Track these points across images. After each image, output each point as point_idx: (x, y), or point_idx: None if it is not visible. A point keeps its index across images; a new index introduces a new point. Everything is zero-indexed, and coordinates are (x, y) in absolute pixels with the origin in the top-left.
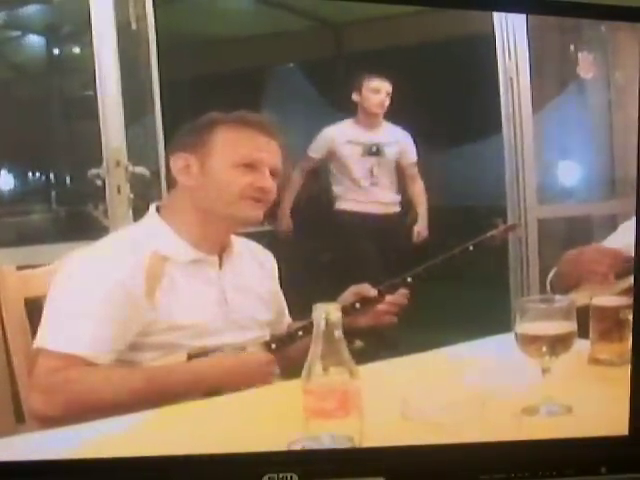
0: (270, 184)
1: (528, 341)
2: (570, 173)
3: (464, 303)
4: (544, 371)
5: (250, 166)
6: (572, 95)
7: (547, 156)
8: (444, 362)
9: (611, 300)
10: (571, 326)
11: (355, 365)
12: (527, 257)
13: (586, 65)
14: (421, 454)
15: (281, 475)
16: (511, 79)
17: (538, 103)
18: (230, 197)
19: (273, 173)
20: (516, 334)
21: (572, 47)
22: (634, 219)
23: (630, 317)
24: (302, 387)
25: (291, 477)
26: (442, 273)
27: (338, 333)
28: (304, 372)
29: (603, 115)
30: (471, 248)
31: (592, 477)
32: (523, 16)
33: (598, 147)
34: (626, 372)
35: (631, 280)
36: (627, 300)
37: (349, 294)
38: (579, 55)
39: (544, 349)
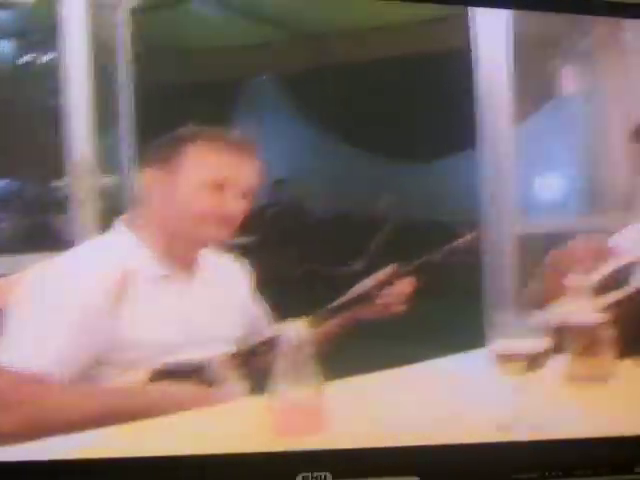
0: (237, 208)
1: (503, 358)
2: (549, 188)
3: (440, 318)
4: (519, 388)
5: (219, 187)
6: (552, 110)
7: (526, 171)
8: (417, 378)
9: (589, 317)
10: (546, 343)
11: (322, 381)
12: (503, 272)
13: (567, 79)
14: (454, 453)
15: (315, 474)
16: (490, 93)
17: (517, 118)
18: (193, 218)
19: (245, 194)
20: (491, 350)
21: (554, 62)
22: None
23: (607, 334)
24: (268, 404)
25: (325, 476)
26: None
27: (306, 349)
28: (269, 390)
29: (584, 131)
30: (438, 258)
31: (626, 476)
32: (503, 30)
33: (578, 162)
34: (603, 389)
35: (617, 295)
36: (605, 317)
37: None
38: (561, 70)
39: (519, 366)
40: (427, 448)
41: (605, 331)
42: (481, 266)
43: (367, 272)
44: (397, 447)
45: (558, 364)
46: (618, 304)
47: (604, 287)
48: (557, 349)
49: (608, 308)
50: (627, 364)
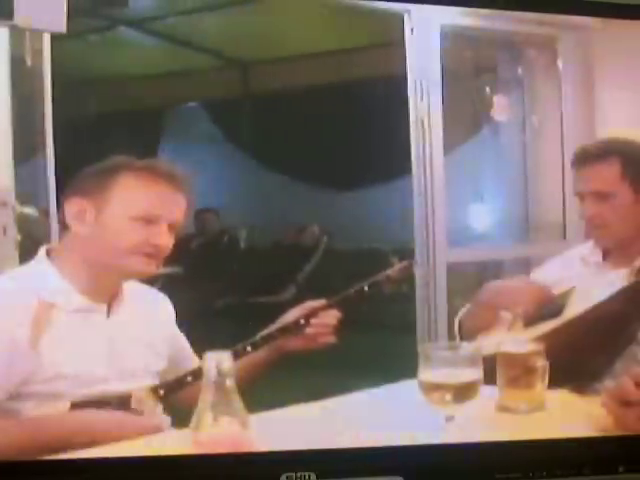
0: (166, 241)
1: (431, 388)
2: (482, 216)
3: (370, 348)
4: (448, 419)
5: (148, 220)
6: (486, 137)
7: (458, 199)
8: (348, 408)
9: (520, 347)
10: (476, 374)
11: (247, 415)
12: (435, 301)
13: (501, 107)
14: (438, 453)
15: (299, 474)
16: (422, 120)
17: (450, 145)
18: (121, 251)
19: (172, 227)
20: (419, 381)
21: (487, 89)
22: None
23: (539, 364)
24: (192, 438)
25: (309, 476)
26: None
27: (229, 382)
28: (193, 422)
29: (517, 158)
30: (366, 288)
31: (610, 476)
32: (437, 56)
33: (511, 190)
34: (535, 420)
35: (550, 325)
36: (536, 347)
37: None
38: (494, 97)
39: (447, 397)
40: (411, 448)
41: (537, 361)
42: (414, 296)
43: (296, 302)
44: (381, 447)
45: (489, 394)
46: (550, 335)
47: (536, 318)
48: (489, 379)
49: (540, 339)
50: (560, 394)
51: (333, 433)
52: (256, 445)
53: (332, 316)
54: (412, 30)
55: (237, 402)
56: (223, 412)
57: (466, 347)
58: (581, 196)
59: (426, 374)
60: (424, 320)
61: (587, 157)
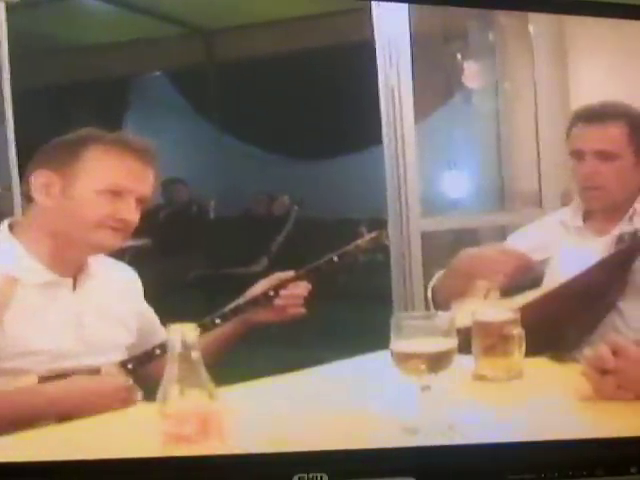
0: (133, 216)
1: (404, 358)
2: (456, 184)
3: (345, 319)
4: (424, 389)
5: (117, 194)
6: (458, 105)
7: (431, 167)
8: (321, 381)
9: (495, 315)
10: (450, 343)
11: (214, 387)
12: (411, 271)
13: (472, 74)
14: (451, 454)
15: (311, 475)
16: (392, 88)
17: (421, 113)
18: (88, 224)
19: (140, 201)
20: (392, 351)
21: (458, 55)
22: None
23: (516, 332)
24: (159, 410)
25: (321, 477)
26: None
27: (195, 354)
28: (159, 395)
29: (490, 125)
30: (336, 259)
31: (621, 477)
32: (406, 22)
33: (485, 158)
34: (512, 388)
35: (530, 296)
36: (512, 315)
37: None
38: (465, 64)
39: (422, 367)
40: (424, 449)
41: (513, 329)
42: (389, 265)
43: (268, 273)
44: (394, 448)
45: (466, 364)
46: (531, 304)
47: (514, 288)
48: (464, 349)
49: (521, 309)
50: (539, 362)
51: (305, 405)
52: (226, 419)
53: (302, 287)
54: None
55: (203, 374)
56: (190, 384)
57: (439, 316)
58: (580, 154)
59: (398, 344)
60: (400, 290)
61: (593, 116)
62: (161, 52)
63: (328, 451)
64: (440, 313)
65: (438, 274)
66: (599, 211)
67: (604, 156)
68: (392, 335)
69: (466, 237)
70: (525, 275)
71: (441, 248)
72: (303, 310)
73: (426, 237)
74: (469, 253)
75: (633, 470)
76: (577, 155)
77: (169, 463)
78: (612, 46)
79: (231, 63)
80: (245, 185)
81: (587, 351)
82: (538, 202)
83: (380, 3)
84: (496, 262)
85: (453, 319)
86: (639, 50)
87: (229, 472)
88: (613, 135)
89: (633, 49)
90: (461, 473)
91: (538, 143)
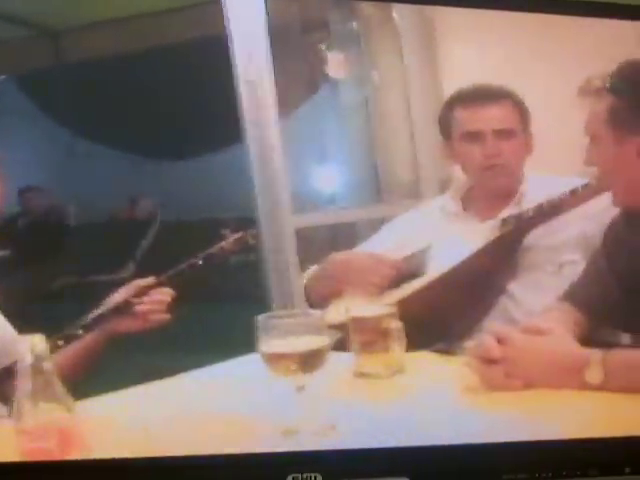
0: None
1: (273, 359)
2: (329, 179)
3: (221, 322)
4: (298, 389)
5: None
6: (325, 96)
7: (302, 163)
8: (195, 385)
9: (371, 310)
10: (321, 341)
11: (71, 399)
12: (287, 269)
13: (337, 64)
14: (444, 453)
15: (305, 475)
16: (252, 82)
17: (286, 107)
18: None
19: None
20: (261, 353)
21: (321, 46)
22: (397, 219)
23: (393, 326)
24: (14, 427)
25: (315, 477)
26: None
27: (47, 365)
28: (14, 411)
29: (360, 116)
30: (200, 262)
31: (616, 477)
32: (262, 14)
33: (358, 149)
34: (394, 384)
35: (413, 286)
36: (389, 309)
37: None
38: (329, 54)
39: (293, 367)
40: (418, 449)
41: (390, 323)
42: (261, 264)
43: (135, 280)
44: (388, 448)
45: (344, 361)
46: (413, 296)
47: (395, 282)
48: (342, 346)
49: (403, 301)
50: (423, 356)
51: (175, 412)
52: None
53: (163, 293)
54: None
55: (58, 386)
56: (45, 398)
57: (309, 314)
58: (479, 135)
59: (267, 345)
60: (278, 289)
61: (483, 96)
62: (6, 54)
63: (322, 451)
64: (310, 311)
65: (308, 272)
66: (482, 196)
67: (504, 135)
68: (260, 336)
69: (344, 231)
70: (403, 272)
71: (319, 244)
72: (167, 316)
73: (302, 234)
74: (339, 258)
75: (627, 470)
76: (474, 136)
77: (159, 463)
78: (480, 32)
79: (81, 63)
80: (105, 189)
81: (470, 342)
82: (416, 192)
83: None
84: (366, 270)
85: (324, 316)
86: (507, 35)
87: (222, 472)
88: (508, 114)
89: (501, 34)
90: (456, 472)
91: (412, 131)
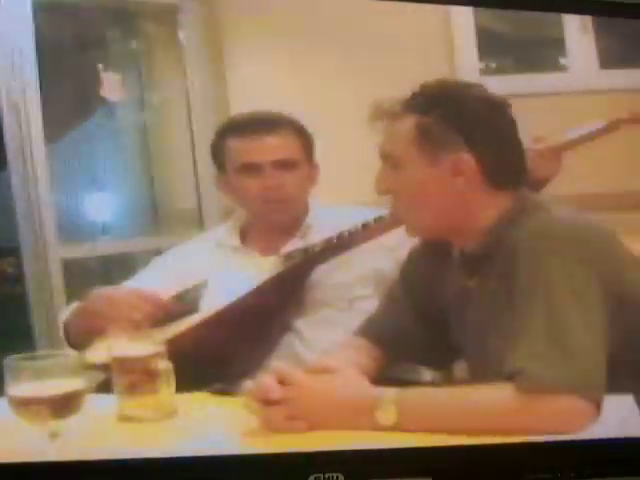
0: None
1: (21, 404)
2: (103, 207)
3: None
4: (52, 436)
5: None
6: (99, 120)
7: (72, 190)
8: None
9: (137, 349)
10: (77, 384)
11: None
12: (53, 303)
13: (113, 86)
14: (468, 453)
15: (327, 475)
16: (17, 104)
17: (56, 130)
18: None
19: None
20: (8, 397)
21: (96, 66)
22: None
23: (162, 366)
24: None
25: (337, 477)
26: None
27: None
28: None
29: (138, 141)
30: None
31: (638, 478)
32: (30, 29)
33: (134, 176)
34: (165, 427)
35: (175, 329)
36: (156, 348)
37: None
38: (104, 75)
39: (43, 412)
40: (440, 449)
41: (158, 364)
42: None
43: None
44: (410, 448)
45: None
46: (187, 333)
47: (164, 319)
48: (105, 388)
49: (175, 339)
50: (199, 396)
51: None
52: None
53: None
54: None
55: None
56: None
57: (63, 355)
58: (255, 167)
59: (15, 389)
60: (42, 326)
61: (257, 125)
62: None
63: (344, 451)
64: (65, 352)
65: (69, 308)
66: (262, 230)
67: (285, 165)
68: (7, 379)
69: (119, 264)
70: (174, 309)
71: (91, 276)
72: None
73: (71, 265)
74: (99, 293)
75: None
76: (251, 169)
77: (182, 462)
78: (269, 54)
79: None
80: None
81: (248, 383)
82: (198, 221)
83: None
84: (126, 307)
85: (82, 357)
86: (301, 55)
87: (245, 472)
88: (288, 143)
89: (294, 53)
90: (479, 472)
91: (195, 158)
